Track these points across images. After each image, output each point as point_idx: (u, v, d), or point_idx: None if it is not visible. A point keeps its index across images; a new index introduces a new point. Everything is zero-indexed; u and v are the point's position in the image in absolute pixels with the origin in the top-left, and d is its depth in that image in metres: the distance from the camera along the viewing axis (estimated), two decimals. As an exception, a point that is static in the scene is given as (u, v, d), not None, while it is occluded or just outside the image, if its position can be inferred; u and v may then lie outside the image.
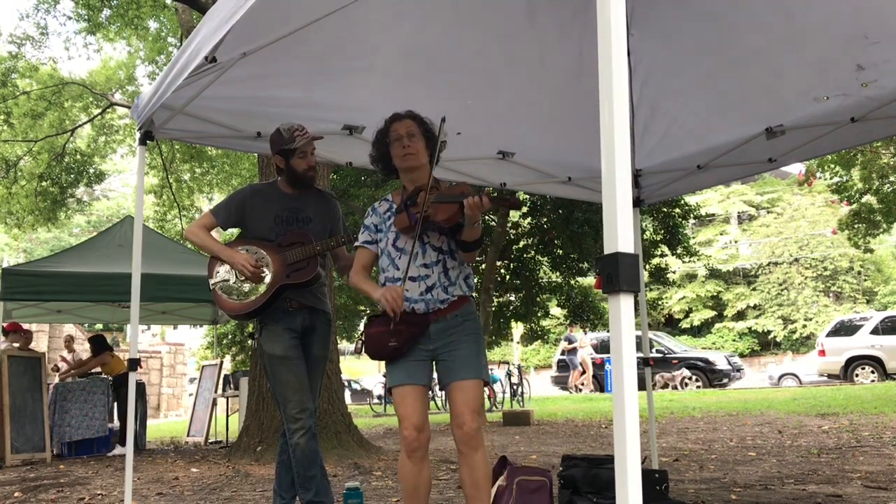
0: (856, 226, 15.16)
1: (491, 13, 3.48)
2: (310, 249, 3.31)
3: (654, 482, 3.77)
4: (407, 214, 2.71)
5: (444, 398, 13.58)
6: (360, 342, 2.76)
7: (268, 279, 3.30)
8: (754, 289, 29.87)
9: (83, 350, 17.16)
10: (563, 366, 19.77)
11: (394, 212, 2.82)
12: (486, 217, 10.84)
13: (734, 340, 29.17)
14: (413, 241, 2.69)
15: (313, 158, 3.41)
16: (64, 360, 9.97)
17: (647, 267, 11.54)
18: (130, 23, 13.83)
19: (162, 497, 5.01)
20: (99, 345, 9.30)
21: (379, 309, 2.73)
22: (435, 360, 2.74)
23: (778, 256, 29.60)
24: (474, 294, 2.92)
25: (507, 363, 16.17)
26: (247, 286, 3.31)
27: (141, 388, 9.33)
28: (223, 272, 3.36)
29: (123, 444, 9.11)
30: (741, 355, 24.66)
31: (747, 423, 9.00)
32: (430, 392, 2.81)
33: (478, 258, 2.62)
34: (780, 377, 18.67)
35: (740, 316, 29.84)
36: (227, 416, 10.53)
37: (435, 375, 2.80)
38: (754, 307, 29.51)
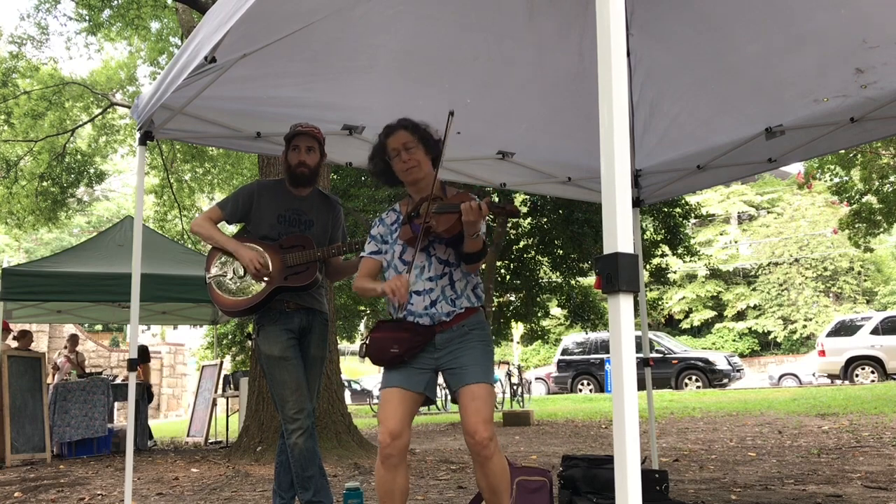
0: (856, 225, 15.17)
1: (491, 13, 3.48)
2: (310, 254, 3.29)
3: (654, 482, 3.77)
4: (410, 226, 2.66)
5: (443, 399, 13.57)
6: (364, 345, 2.68)
7: (265, 279, 3.28)
8: (754, 289, 29.86)
9: (85, 350, 17.19)
10: (563, 366, 19.74)
11: (400, 223, 2.75)
12: (488, 220, 10.85)
13: (734, 341, 29.18)
14: (414, 253, 2.63)
15: (309, 157, 3.35)
16: (68, 359, 9.97)
17: (648, 267, 11.54)
18: (131, 23, 13.83)
19: (162, 497, 5.01)
20: (140, 355, 9.40)
21: (386, 310, 2.69)
22: (441, 370, 2.68)
23: (778, 257, 29.59)
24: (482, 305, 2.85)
25: (508, 363, 16.12)
26: (243, 283, 3.29)
27: (141, 388, 9.38)
28: (221, 266, 3.34)
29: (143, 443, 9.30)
30: (741, 355, 24.68)
31: (747, 423, 9.00)
32: (429, 401, 2.73)
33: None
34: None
35: (740, 316, 29.84)
36: (227, 416, 10.53)
37: (445, 387, 2.74)
38: (754, 307, 29.51)
